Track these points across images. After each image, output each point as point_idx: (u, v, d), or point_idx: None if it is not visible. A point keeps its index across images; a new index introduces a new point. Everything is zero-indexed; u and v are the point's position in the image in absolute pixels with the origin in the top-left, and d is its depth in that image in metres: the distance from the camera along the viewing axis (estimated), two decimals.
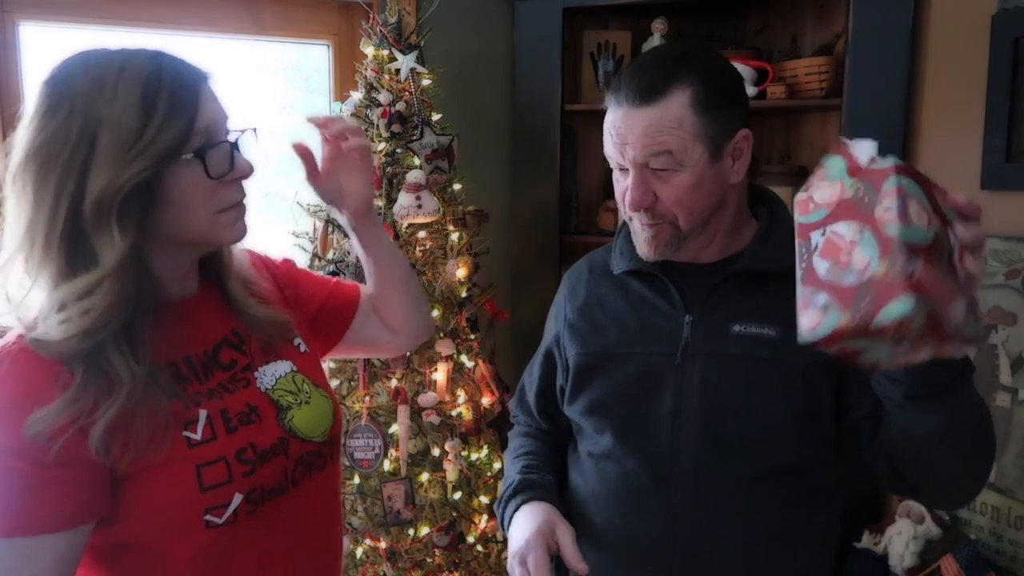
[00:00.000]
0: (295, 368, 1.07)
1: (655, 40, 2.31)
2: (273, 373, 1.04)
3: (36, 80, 0.90)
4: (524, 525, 1.10)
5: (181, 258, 0.97)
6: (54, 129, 0.85)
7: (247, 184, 0.97)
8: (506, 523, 1.17)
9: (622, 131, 1.04)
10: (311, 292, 1.19)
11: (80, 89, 0.86)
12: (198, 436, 0.91)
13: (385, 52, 2.01)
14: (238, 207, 0.96)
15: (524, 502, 1.15)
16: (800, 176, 2.27)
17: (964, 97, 1.83)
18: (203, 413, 0.93)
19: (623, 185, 1.08)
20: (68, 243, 0.86)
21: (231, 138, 0.94)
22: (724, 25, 2.53)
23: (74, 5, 2.04)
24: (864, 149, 0.88)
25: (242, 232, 0.97)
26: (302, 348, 1.11)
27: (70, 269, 0.86)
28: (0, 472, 0.83)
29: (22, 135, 0.87)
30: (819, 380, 1.06)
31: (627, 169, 1.07)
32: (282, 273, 1.17)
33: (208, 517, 0.90)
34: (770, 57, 2.36)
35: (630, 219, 1.12)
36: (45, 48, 2.08)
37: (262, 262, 1.16)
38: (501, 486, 1.26)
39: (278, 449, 0.98)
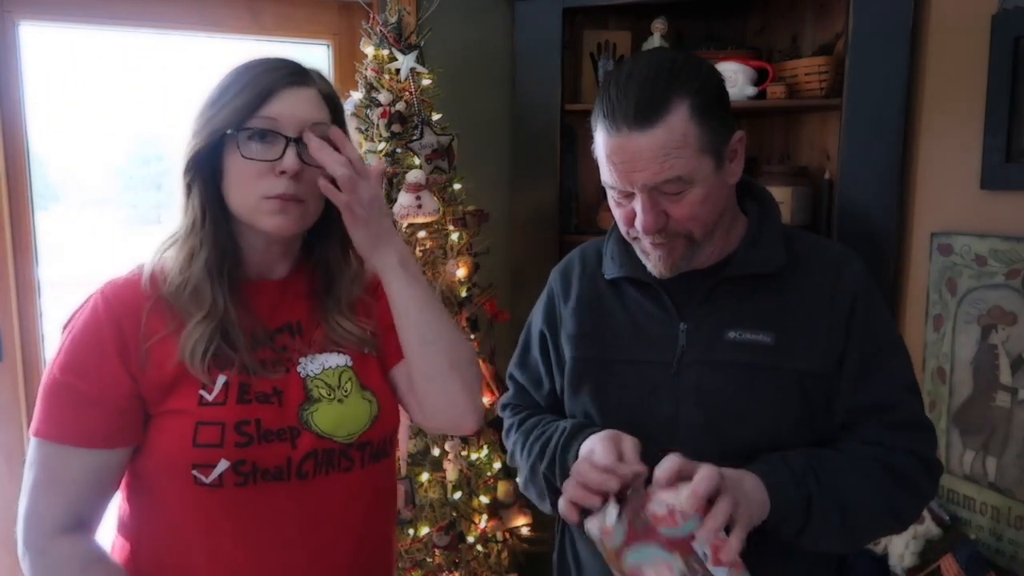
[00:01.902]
0: (349, 364, 1.09)
1: (655, 40, 2.31)
2: (323, 363, 1.07)
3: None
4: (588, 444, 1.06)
5: (255, 240, 1.05)
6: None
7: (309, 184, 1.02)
8: (569, 467, 1.08)
9: (627, 158, 1.00)
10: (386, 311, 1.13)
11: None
12: (210, 397, 0.99)
13: (385, 52, 2.01)
14: (282, 200, 1.00)
15: (587, 436, 1.09)
16: (800, 176, 2.27)
17: (964, 97, 1.83)
18: (222, 378, 0.99)
19: (626, 209, 1.05)
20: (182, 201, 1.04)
21: (292, 136, 0.99)
22: (724, 25, 2.52)
23: (74, 5, 2.04)
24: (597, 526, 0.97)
25: (281, 224, 1.01)
26: (367, 350, 1.12)
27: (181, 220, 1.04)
28: (54, 384, 0.98)
29: None
30: (815, 387, 1.06)
31: (630, 193, 1.03)
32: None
33: (195, 473, 0.97)
34: (770, 57, 2.36)
35: (635, 239, 1.08)
36: (45, 48, 2.08)
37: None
38: (524, 458, 1.19)
39: (284, 435, 1.00)
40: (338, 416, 1.04)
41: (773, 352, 1.06)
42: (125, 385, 0.98)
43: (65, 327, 1.02)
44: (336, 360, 1.08)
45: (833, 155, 2.21)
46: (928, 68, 1.94)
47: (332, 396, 1.05)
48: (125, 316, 0.99)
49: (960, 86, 1.84)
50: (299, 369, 1.05)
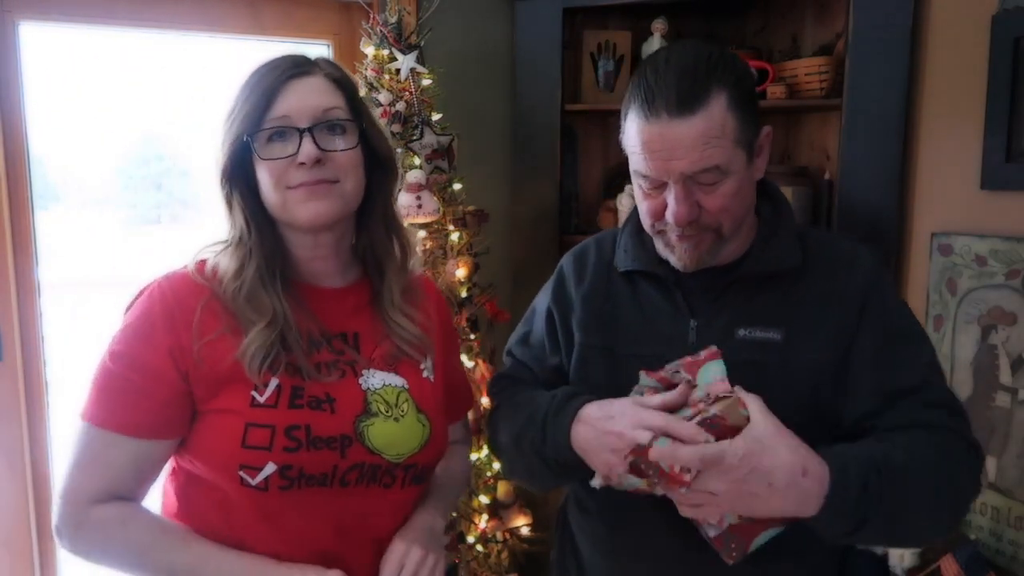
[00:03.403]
0: (406, 386, 1.09)
1: (655, 40, 2.31)
2: (383, 380, 1.07)
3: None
4: (610, 407, 1.03)
5: (301, 239, 1.06)
6: None
7: (331, 170, 1.03)
8: (562, 432, 1.07)
9: (666, 145, 0.98)
10: (448, 364, 1.23)
11: None
12: (262, 399, 0.99)
13: (385, 52, 2.01)
14: (305, 187, 1.01)
15: (586, 402, 1.07)
16: (800, 176, 2.27)
17: (964, 97, 1.83)
18: (274, 381, 0.99)
19: (656, 200, 1.03)
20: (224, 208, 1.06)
21: (304, 127, 1.01)
22: (724, 25, 2.52)
23: (74, 5, 2.04)
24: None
25: (312, 212, 1.02)
26: (426, 374, 1.13)
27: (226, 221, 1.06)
28: (105, 371, 0.99)
29: None
30: (824, 383, 1.05)
31: (662, 184, 1.01)
32: (444, 318, 1.24)
33: (242, 474, 0.97)
34: (770, 57, 2.36)
35: (659, 232, 1.07)
36: (45, 48, 2.08)
37: (438, 295, 1.25)
38: (513, 420, 1.17)
39: (335, 443, 1.00)
40: (392, 434, 1.04)
41: (783, 348, 1.05)
42: (173, 379, 0.98)
43: (124, 315, 1.04)
44: (393, 380, 1.08)
45: (833, 155, 2.21)
46: (928, 68, 1.94)
47: (390, 414, 1.05)
48: (179, 311, 1.00)
49: (960, 86, 1.84)
50: (361, 381, 1.05)
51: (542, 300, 1.28)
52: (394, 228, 1.14)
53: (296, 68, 1.03)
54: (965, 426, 1.05)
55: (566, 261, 1.28)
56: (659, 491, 0.98)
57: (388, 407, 1.05)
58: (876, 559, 1.82)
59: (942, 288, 1.87)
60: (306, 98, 1.01)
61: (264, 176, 1.02)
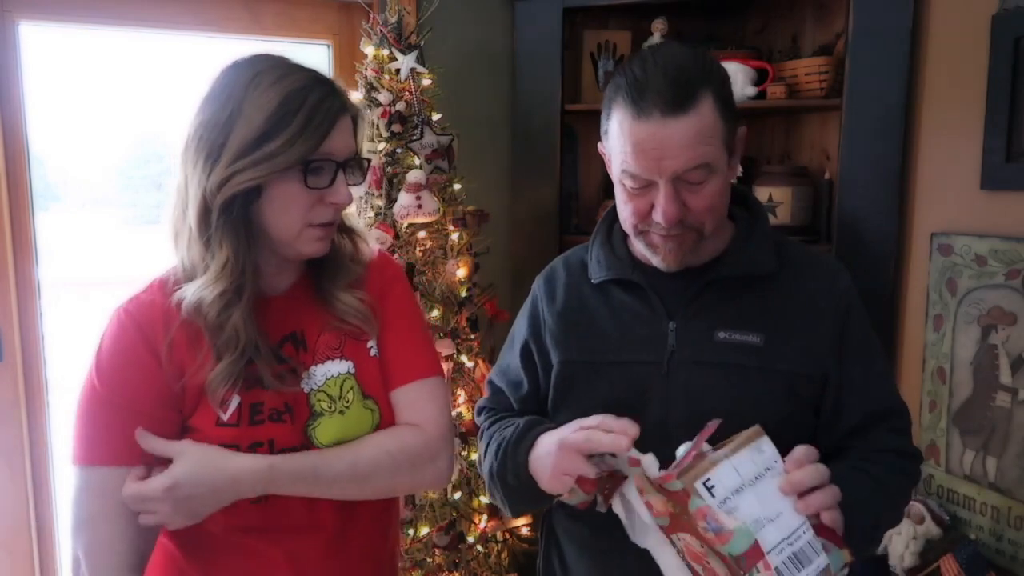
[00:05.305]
0: (352, 371, 1.08)
1: (655, 40, 2.31)
2: (325, 373, 1.06)
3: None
4: (558, 431, 1.02)
5: (274, 258, 1.05)
6: (208, 114, 0.96)
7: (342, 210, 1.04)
8: (520, 460, 1.07)
9: (658, 144, 0.98)
10: (390, 335, 1.13)
11: (239, 80, 0.96)
12: (225, 417, 0.99)
13: (385, 52, 2.01)
14: (326, 227, 1.02)
15: (544, 431, 1.07)
16: (800, 176, 2.27)
17: (964, 97, 1.83)
18: (236, 399, 0.99)
19: (641, 200, 1.03)
20: (201, 223, 0.97)
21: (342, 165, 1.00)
22: (724, 25, 2.53)
23: (74, 5, 2.04)
24: (650, 464, 0.92)
25: (322, 249, 1.04)
26: (373, 352, 1.11)
27: (202, 246, 0.98)
28: (96, 402, 0.97)
29: (188, 117, 0.99)
30: (803, 388, 1.06)
31: (650, 183, 1.01)
32: (388, 279, 1.16)
33: None
34: (770, 57, 2.36)
35: (642, 233, 1.07)
36: (45, 48, 2.08)
37: (385, 263, 1.18)
38: (488, 452, 1.17)
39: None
40: (340, 428, 1.04)
41: (762, 353, 1.06)
42: (164, 386, 0.98)
43: (96, 351, 1.00)
44: (338, 368, 1.07)
45: (833, 155, 2.21)
46: (928, 68, 1.94)
47: (333, 408, 1.05)
48: (149, 327, 0.99)
49: (960, 86, 1.84)
50: (303, 384, 1.05)
51: (518, 327, 1.28)
52: (346, 230, 1.13)
53: (343, 105, 1.00)
54: (910, 434, 1.14)
55: (537, 284, 1.28)
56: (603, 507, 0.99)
57: (331, 401, 1.05)
58: (876, 559, 1.82)
59: (942, 288, 1.87)
60: (346, 138, 1.01)
61: (287, 201, 0.98)
